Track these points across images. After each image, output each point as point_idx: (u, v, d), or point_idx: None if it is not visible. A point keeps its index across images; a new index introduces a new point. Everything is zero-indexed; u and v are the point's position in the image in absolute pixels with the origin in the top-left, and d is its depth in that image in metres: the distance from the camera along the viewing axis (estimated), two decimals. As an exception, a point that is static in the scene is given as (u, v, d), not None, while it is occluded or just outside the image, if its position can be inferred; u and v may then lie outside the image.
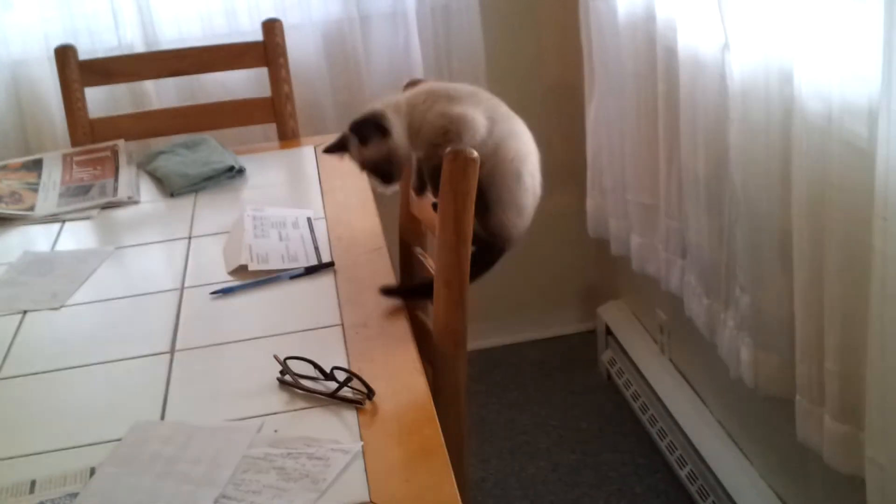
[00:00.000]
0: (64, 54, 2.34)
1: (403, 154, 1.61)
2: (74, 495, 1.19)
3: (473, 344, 3.02)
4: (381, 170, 1.63)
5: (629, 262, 2.41)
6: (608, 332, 2.89)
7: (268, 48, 2.41)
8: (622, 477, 2.52)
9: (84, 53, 2.43)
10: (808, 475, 1.89)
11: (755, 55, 1.65)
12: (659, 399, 2.52)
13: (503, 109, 1.64)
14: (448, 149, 1.45)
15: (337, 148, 1.67)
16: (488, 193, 1.55)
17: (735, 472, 2.17)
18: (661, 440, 2.49)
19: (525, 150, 1.62)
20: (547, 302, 3.13)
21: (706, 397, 2.40)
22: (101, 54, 2.52)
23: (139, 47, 2.57)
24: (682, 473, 2.36)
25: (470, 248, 1.49)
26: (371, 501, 1.15)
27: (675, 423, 2.41)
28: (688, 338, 2.34)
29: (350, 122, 1.64)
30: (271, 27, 2.40)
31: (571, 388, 2.91)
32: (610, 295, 2.98)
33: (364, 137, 1.61)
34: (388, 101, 1.64)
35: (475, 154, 1.43)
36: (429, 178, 1.61)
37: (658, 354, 2.64)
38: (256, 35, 2.45)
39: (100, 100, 2.55)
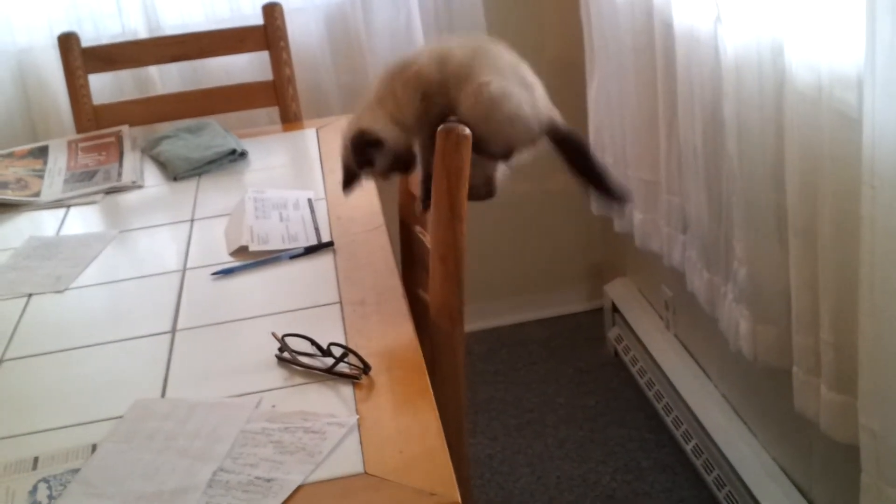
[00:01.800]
0: (67, 42, 2.36)
1: (407, 146, 1.60)
2: (76, 471, 1.22)
3: (481, 324, 3.08)
4: (399, 168, 1.63)
5: (633, 238, 2.42)
6: (615, 309, 2.90)
7: (268, 31, 2.43)
8: (629, 452, 2.53)
9: (88, 41, 2.46)
10: (809, 446, 1.90)
11: (747, 28, 1.65)
12: (665, 375, 2.53)
13: (488, 53, 1.60)
14: (440, 126, 1.46)
15: (351, 183, 1.64)
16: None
17: (739, 445, 2.18)
18: (668, 415, 2.51)
19: (493, 69, 1.56)
20: (554, 280, 3.15)
21: (711, 372, 2.41)
22: (105, 41, 2.54)
23: (143, 34, 2.60)
24: (688, 447, 2.38)
25: (465, 225, 1.50)
26: (365, 472, 1.17)
27: (681, 397, 2.42)
28: (692, 313, 2.35)
29: (342, 156, 1.63)
30: (271, 10, 2.42)
31: (579, 365, 2.93)
32: (616, 272, 2.99)
33: (368, 161, 1.60)
34: (364, 104, 1.62)
35: (467, 131, 1.44)
36: (421, 150, 1.58)
37: (664, 330, 2.65)
38: (258, 19, 2.46)
39: (106, 86, 2.58)
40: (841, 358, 1.50)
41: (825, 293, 1.50)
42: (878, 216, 1.28)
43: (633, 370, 2.74)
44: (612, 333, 2.93)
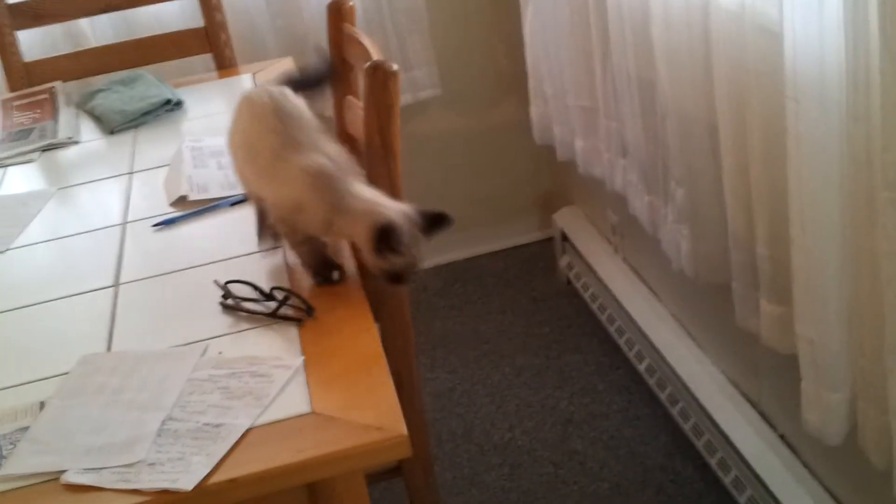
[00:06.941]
0: (-9, -1, 2.32)
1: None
2: (25, 429, 1.22)
3: (435, 259, 3.10)
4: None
5: (577, 166, 2.44)
6: (564, 237, 2.92)
7: (196, -24, 2.39)
8: (584, 376, 2.57)
9: (15, -3, 2.41)
10: (755, 358, 1.95)
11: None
12: (615, 298, 2.56)
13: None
14: (367, 63, 1.45)
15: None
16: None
17: (690, 362, 2.22)
18: (620, 337, 2.54)
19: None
20: (504, 213, 3.16)
21: (659, 292, 2.45)
22: (32, -3, 2.49)
23: (72, -13, 2.54)
24: (642, 367, 2.42)
25: (399, 161, 1.51)
26: (313, 412, 1.18)
27: (632, 320, 2.46)
28: (637, 236, 2.37)
29: None
30: (198, -45, 2.38)
31: (533, 295, 2.96)
32: (564, 201, 3.01)
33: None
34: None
35: (395, 67, 1.44)
36: None
37: (612, 255, 2.68)
38: (187, -34, 2.43)
39: (37, 43, 2.53)
40: (777, 270, 1.53)
41: (759, 208, 1.53)
42: (802, 130, 1.30)
43: (586, 296, 2.78)
44: (563, 261, 2.95)
